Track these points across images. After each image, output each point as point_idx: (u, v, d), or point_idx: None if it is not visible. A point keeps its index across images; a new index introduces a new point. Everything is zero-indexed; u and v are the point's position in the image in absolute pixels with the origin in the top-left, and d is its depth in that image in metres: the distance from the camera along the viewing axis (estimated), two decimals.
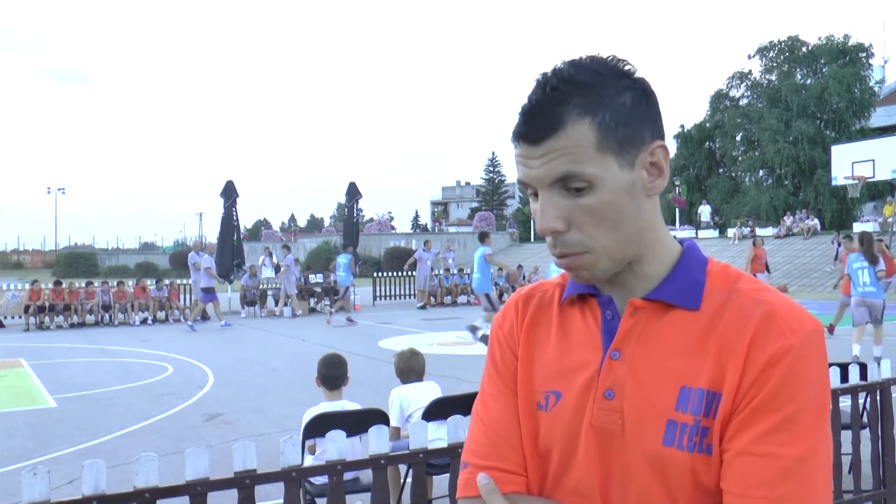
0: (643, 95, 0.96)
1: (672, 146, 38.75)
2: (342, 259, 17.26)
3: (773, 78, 37.21)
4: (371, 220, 48.66)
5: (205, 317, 17.64)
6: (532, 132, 0.93)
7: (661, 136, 0.97)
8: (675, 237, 1.03)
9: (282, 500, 2.53)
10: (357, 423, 3.60)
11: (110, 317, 17.30)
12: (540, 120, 0.92)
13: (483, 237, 12.45)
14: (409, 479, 3.02)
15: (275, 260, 22.30)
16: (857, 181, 25.63)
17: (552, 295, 1.09)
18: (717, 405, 0.89)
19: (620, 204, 0.93)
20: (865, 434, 3.92)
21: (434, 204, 77.88)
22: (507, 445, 1.02)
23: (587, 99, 0.92)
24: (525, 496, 1.01)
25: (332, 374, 4.23)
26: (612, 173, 0.92)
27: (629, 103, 0.93)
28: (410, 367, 4.47)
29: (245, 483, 2.42)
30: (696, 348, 0.92)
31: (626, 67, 0.96)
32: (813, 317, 0.92)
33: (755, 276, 12.27)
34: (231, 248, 18.92)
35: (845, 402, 3.90)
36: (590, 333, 1.01)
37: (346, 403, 4.16)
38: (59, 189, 67.33)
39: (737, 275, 0.98)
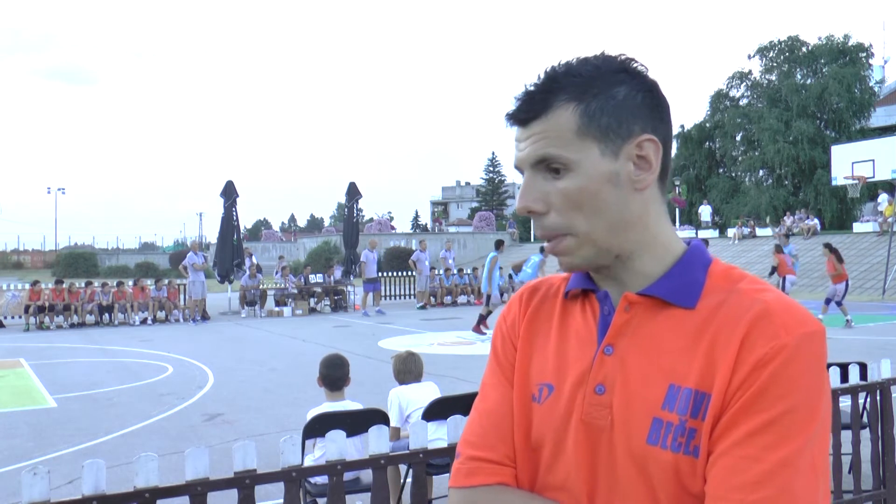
0: (641, 91, 0.96)
1: (672, 146, 38.55)
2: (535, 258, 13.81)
3: (773, 78, 37.13)
4: (371, 220, 48.61)
5: (205, 316, 17.65)
6: (520, 114, 0.97)
7: (658, 133, 0.96)
8: (683, 239, 1.01)
9: (282, 500, 2.53)
10: (357, 423, 3.60)
11: (110, 317, 17.29)
12: (529, 104, 0.96)
13: (497, 244, 13.90)
14: (409, 479, 3.02)
15: (254, 260, 20.76)
16: (857, 181, 25.59)
17: (558, 288, 1.09)
18: (706, 406, 0.87)
19: (599, 192, 0.94)
20: (865, 434, 3.92)
21: (434, 204, 77.80)
22: (498, 435, 1.02)
23: (578, 88, 0.94)
24: (508, 489, 1.00)
25: (334, 375, 4.24)
26: (591, 160, 0.93)
27: (621, 95, 0.94)
28: (407, 369, 4.49)
29: (245, 483, 2.42)
30: (688, 347, 0.90)
31: (633, 65, 0.96)
32: (815, 319, 0.89)
33: (784, 279, 13.26)
34: (231, 248, 18.88)
35: (845, 402, 3.90)
36: (587, 328, 1.00)
37: (348, 403, 4.18)
38: (59, 189, 67.42)
39: (740, 275, 0.95)
